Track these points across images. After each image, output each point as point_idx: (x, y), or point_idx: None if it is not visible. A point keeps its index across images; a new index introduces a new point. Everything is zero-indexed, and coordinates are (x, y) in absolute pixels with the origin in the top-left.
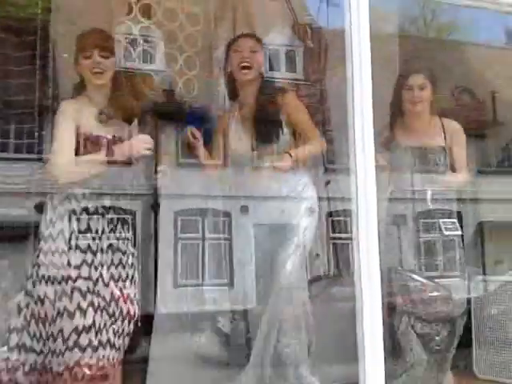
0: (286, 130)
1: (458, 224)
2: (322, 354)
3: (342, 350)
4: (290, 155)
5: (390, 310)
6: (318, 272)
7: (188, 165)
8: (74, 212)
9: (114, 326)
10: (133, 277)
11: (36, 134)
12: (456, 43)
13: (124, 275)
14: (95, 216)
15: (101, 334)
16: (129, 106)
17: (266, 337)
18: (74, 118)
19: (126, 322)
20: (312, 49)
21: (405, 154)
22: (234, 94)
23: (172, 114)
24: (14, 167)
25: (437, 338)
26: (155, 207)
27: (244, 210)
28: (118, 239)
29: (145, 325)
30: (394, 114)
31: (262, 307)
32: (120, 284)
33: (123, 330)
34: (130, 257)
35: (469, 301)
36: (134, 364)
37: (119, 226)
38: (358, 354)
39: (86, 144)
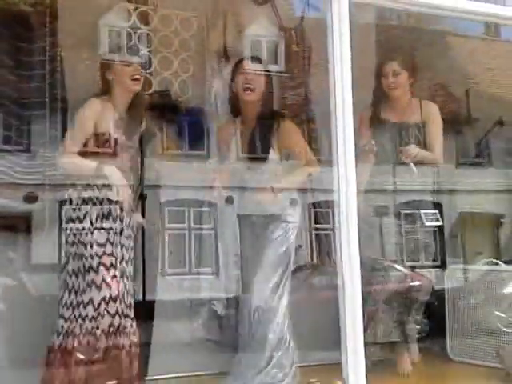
0: (275, 153)
1: (438, 215)
2: (305, 338)
3: (323, 335)
4: (272, 189)
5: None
6: (300, 262)
7: (175, 157)
8: (97, 198)
9: (129, 299)
10: (132, 259)
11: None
12: (434, 33)
13: (128, 256)
14: (114, 203)
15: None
16: (143, 113)
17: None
18: (95, 115)
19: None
20: (297, 52)
21: (386, 129)
22: (237, 112)
23: (167, 112)
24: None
25: (418, 327)
26: (142, 198)
27: (229, 200)
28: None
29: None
30: (377, 99)
31: (246, 295)
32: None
33: (130, 304)
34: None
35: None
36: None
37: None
38: (341, 338)
39: (98, 141)
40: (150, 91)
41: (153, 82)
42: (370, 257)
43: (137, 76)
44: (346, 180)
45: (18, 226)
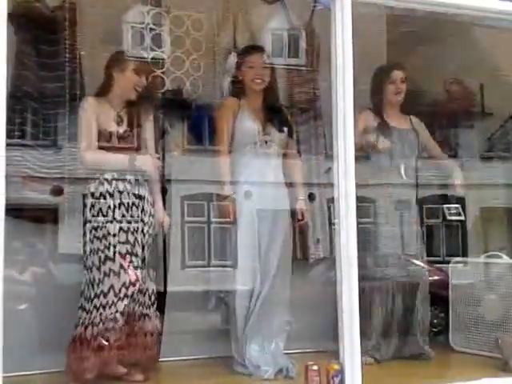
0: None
1: (461, 209)
2: (321, 330)
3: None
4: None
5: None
6: (318, 256)
7: (193, 151)
8: (107, 192)
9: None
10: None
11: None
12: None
13: (145, 243)
14: (125, 193)
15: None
16: (139, 115)
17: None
18: (94, 112)
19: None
20: (306, 50)
21: (389, 132)
22: (237, 95)
23: (180, 109)
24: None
25: (435, 321)
26: (163, 192)
27: (248, 195)
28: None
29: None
30: (376, 104)
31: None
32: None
33: (147, 290)
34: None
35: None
36: None
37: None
38: (339, 326)
39: (99, 137)
40: (163, 90)
41: (166, 81)
42: (388, 251)
43: (137, 88)
44: (345, 175)
45: (46, 217)
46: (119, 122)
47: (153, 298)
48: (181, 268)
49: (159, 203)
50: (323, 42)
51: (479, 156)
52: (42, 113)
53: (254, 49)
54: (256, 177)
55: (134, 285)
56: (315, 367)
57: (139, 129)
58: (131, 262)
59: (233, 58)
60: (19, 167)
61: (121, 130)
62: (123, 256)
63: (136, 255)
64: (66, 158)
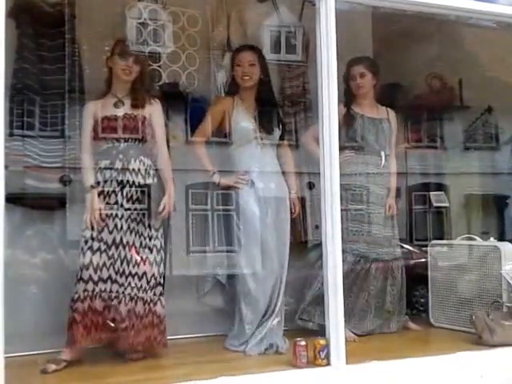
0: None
1: (445, 196)
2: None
3: None
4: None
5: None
6: (317, 241)
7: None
8: (97, 182)
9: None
10: (148, 245)
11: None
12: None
13: (144, 243)
14: (109, 181)
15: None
16: (141, 96)
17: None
18: (92, 117)
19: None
20: (298, 46)
21: (362, 120)
22: (232, 93)
23: (177, 102)
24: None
25: (422, 300)
26: None
27: (251, 184)
28: (136, 211)
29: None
30: (347, 98)
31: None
32: (139, 249)
33: (141, 286)
34: (149, 229)
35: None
36: None
37: (137, 201)
38: (324, 304)
39: (103, 121)
40: (161, 83)
41: (163, 75)
42: (380, 235)
43: (126, 71)
44: (330, 164)
45: (55, 206)
46: (119, 106)
47: (152, 281)
48: (186, 253)
49: (168, 190)
50: (312, 38)
51: (459, 146)
52: (44, 105)
53: (243, 48)
54: (257, 168)
55: (87, 268)
56: (303, 342)
57: (142, 112)
58: (90, 247)
59: (227, 59)
60: (24, 157)
61: (119, 113)
62: (86, 241)
63: (100, 240)
64: (71, 147)
